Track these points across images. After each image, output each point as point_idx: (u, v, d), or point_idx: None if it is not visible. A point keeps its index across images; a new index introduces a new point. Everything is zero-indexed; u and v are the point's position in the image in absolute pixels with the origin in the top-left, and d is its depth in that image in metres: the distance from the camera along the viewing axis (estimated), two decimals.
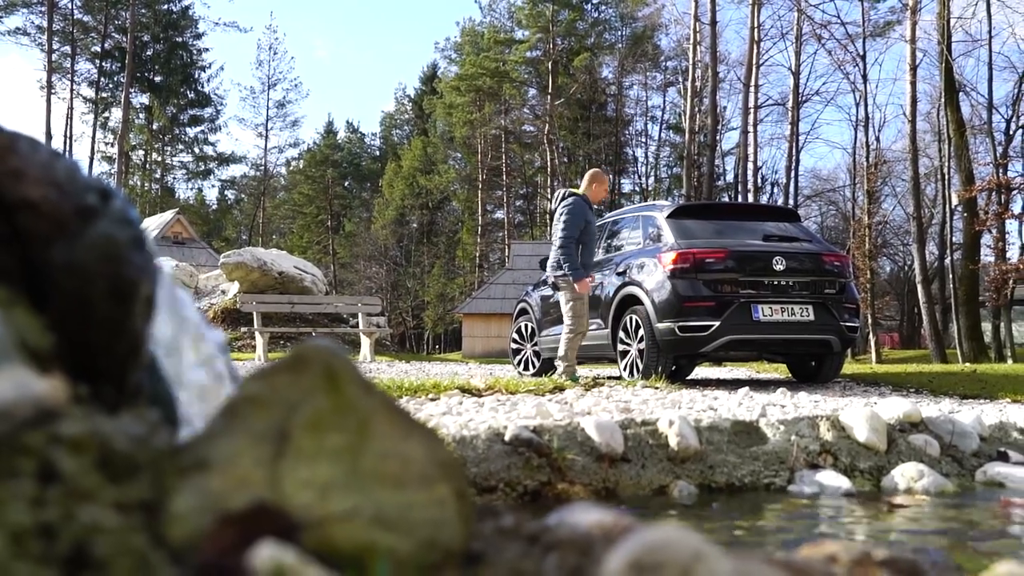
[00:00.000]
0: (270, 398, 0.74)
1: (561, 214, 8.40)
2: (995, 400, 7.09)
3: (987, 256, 26.84)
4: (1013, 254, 27.42)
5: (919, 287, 25.90)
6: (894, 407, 3.30)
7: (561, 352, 8.43)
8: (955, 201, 25.79)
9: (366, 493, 0.72)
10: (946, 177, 26.15)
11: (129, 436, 0.71)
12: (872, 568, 0.90)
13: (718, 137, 35.68)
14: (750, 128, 32.05)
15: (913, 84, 26.56)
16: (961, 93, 27.35)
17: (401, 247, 59.93)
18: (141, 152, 59.13)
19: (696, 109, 33.07)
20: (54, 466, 0.65)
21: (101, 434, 0.70)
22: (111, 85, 53.34)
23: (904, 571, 0.89)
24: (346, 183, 69.06)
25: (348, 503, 0.71)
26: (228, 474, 0.70)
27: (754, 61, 31.82)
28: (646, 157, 56.32)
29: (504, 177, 53.26)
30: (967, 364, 16.00)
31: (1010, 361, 22.77)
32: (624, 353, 8.89)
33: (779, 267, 8.27)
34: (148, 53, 56.20)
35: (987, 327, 27.64)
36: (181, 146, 60.85)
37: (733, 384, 8.55)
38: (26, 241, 0.84)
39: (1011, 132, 30.01)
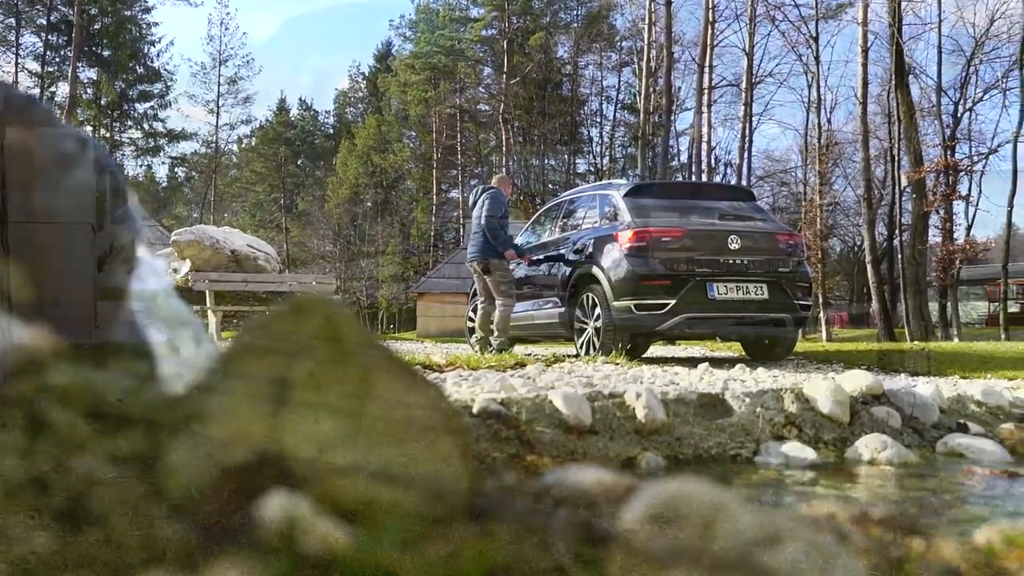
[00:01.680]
0: (269, 349, 0.71)
1: (485, 201, 9.45)
2: (944, 376, 7.21)
3: (935, 236, 27.30)
4: (960, 235, 27.85)
5: (869, 267, 26.23)
6: (856, 380, 3.34)
7: (500, 326, 9.28)
8: (904, 182, 26.14)
9: (368, 447, 0.69)
10: (896, 159, 26.47)
11: (120, 388, 0.68)
12: (871, 525, 0.89)
13: (672, 117, 35.77)
14: (704, 109, 32.18)
15: (864, 66, 26.78)
16: (911, 76, 27.72)
17: (355, 226, 59.39)
18: (89, 128, 57.50)
19: (651, 89, 33.12)
20: (44, 417, 0.62)
21: (91, 385, 0.66)
22: (58, 59, 51.79)
23: (903, 528, 0.89)
24: (299, 161, 68.24)
25: (350, 457, 0.68)
26: (227, 427, 0.67)
27: (708, 42, 31.90)
28: (601, 137, 56.34)
29: (459, 156, 53.07)
30: (916, 342, 16.29)
31: (956, 340, 23.20)
32: (580, 331, 8.92)
33: (734, 246, 8.33)
34: (96, 27, 54.71)
35: (934, 306, 28.17)
36: (130, 122, 59.34)
37: (690, 361, 8.61)
38: (4, 188, 0.80)
39: (958, 115, 30.44)
